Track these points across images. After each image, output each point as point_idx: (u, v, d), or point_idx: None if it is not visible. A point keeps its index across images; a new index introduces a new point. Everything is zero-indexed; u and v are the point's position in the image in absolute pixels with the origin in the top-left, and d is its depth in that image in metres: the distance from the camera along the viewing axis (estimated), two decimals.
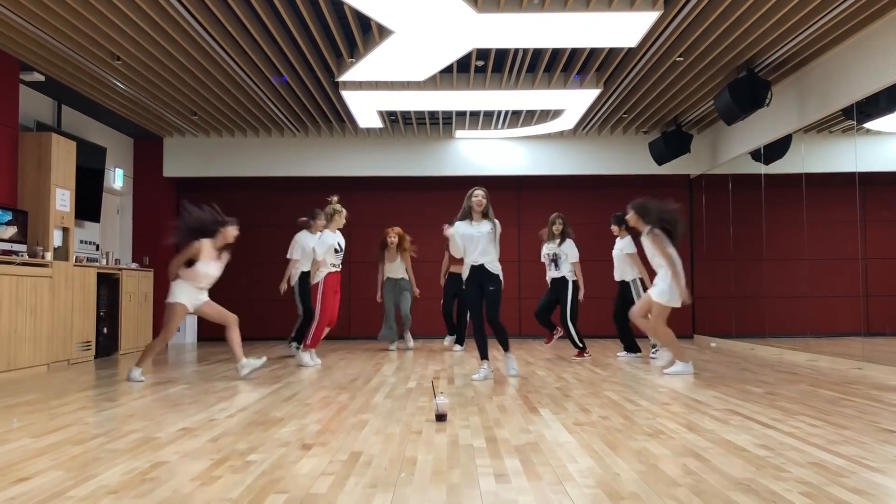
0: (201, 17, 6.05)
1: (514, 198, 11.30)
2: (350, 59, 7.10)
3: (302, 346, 7.35)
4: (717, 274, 10.30)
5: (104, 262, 8.79)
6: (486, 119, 10.04)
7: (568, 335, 7.91)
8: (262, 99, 8.62)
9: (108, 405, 4.74)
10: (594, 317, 10.96)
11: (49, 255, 7.15)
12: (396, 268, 9.16)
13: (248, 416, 4.23)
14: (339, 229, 7.32)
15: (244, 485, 2.71)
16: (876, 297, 8.31)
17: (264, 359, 6.35)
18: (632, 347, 7.97)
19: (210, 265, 6.15)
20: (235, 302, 11.20)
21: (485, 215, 6.38)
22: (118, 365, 7.44)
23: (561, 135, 10.56)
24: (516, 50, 7.06)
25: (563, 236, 8.04)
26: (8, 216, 6.75)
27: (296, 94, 8.53)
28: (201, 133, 10.49)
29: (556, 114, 9.37)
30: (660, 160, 10.02)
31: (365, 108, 8.77)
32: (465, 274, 6.29)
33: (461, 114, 9.58)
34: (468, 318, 8.37)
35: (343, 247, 7.36)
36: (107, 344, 8.25)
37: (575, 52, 7.24)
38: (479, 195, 6.37)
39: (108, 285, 8.34)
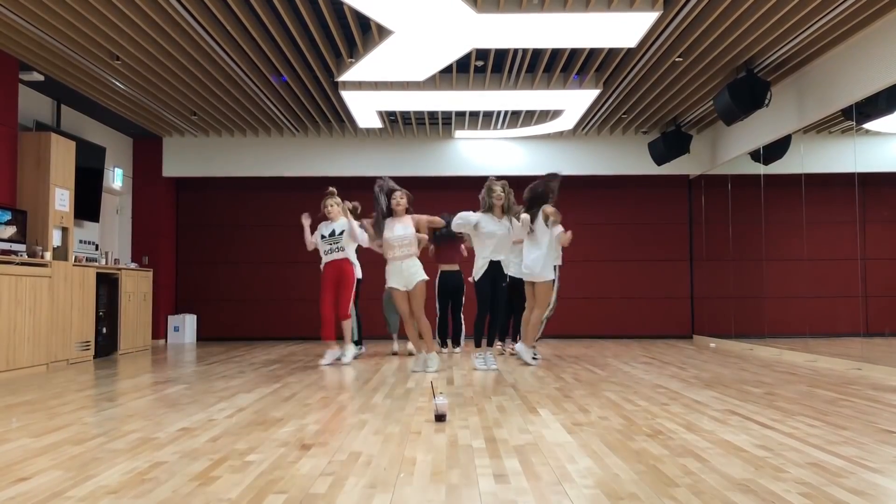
0: (201, 17, 6.05)
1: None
2: (350, 59, 7.10)
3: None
4: (716, 274, 10.30)
5: (103, 261, 8.79)
6: (485, 119, 10.04)
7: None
8: (261, 99, 8.62)
9: (108, 405, 4.74)
10: (595, 316, 10.98)
11: (48, 255, 7.15)
12: None
13: (247, 416, 4.23)
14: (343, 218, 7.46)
15: (243, 485, 2.71)
16: (875, 297, 8.31)
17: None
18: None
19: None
20: (235, 302, 11.25)
21: (504, 211, 6.48)
22: (117, 365, 7.44)
23: (560, 135, 10.57)
24: (516, 50, 7.06)
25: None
26: (7, 216, 6.75)
27: (295, 94, 8.53)
28: (201, 133, 10.49)
29: (556, 114, 9.37)
30: (659, 160, 10.02)
31: (364, 108, 8.77)
32: (480, 267, 6.39)
33: (461, 114, 9.58)
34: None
35: (332, 233, 7.37)
36: (106, 344, 8.24)
37: (574, 53, 7.24)
38: (497, 191, 6.43)
39: (108, 285, 8.34)
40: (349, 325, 7.42)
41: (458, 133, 10.44)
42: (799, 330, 8.20)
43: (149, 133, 10.27)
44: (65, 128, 8.44)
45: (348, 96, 8.18)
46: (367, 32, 6.71)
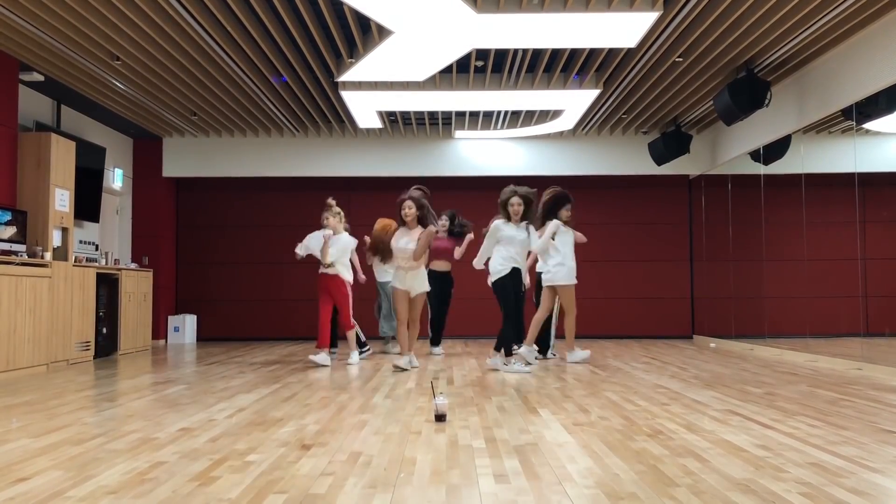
0: (201, 17, 6.05)
1: None
2: (350, 60, 7.10)
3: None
4: (716, 274, 10.30)
5: (103, 262, 8.79)
6: (485, 119, 10.04)
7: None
8: (261, 99, 8.62)
9: (108, 405, 4.73)
10: (596, 316, 10.97)
11: (48, 255, 7.15)
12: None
13: (247, 416, 4.23)
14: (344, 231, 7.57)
15: (243, 485, 2.71)
16: (875, 297, 8.31)
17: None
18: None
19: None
20: (235, 302, 11.25)
21: (521, 221, 6.54)
22: (117, 365, 7.44)
23: (560, 135, 10.57)
24: (516, 50, 7.06)
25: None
26: (7, 216, 6.75)
27: (295, 94, 8.53)
28: (201, 133, 10.49)
29: (556, 114, 9.37)
30: (659, 160, 10.02)
31: (364, 109, 8.77)
32: (502, 270, 6.43)
33: (461, 114, 9.58)
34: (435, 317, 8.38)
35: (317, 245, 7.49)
36: (106, 344, 8.24)
37: (574, 53, 7.24)
38: (514, 203, 6.51)
39: (108, 285, 8.34)
40: (352, 334, 7.50)
41: (458, 133, 10.44)
42: (799, 330, 8.20)
43: (149, 133, 10.27)
44: (65, 128, 8.44)
45: (348, 96, 8.18)
46: (367, 32, 6.71)
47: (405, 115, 9.80)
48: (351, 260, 7.64)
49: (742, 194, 9.53)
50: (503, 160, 10.68)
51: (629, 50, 7.00)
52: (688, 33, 6.58)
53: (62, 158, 7.52)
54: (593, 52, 7.26)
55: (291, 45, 7.00)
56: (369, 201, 11.17)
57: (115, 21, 6.08)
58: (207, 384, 5.75)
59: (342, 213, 7.53)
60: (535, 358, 7.10)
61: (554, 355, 7.82)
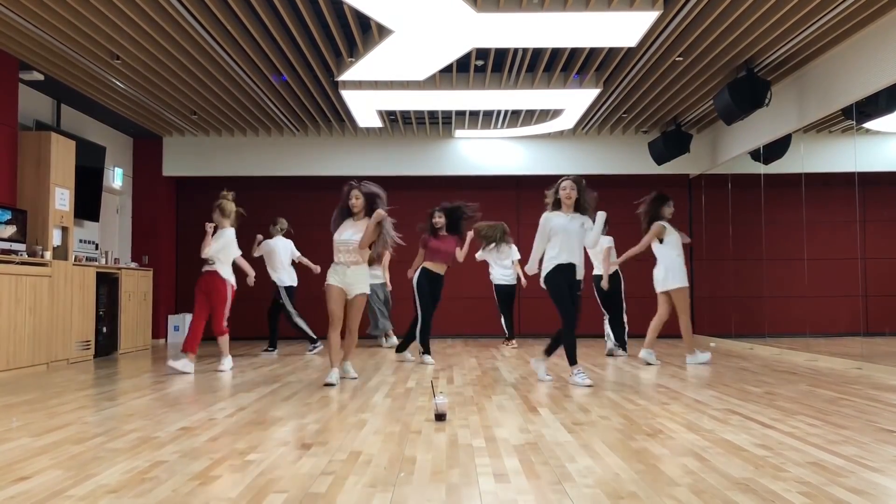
0: (201, 16, 6.05)
1: (513, 198, 11.30)
2: (350, 59, 7.10)
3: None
4: (716, 274, 10.30)
5: (103, 261, 8.78)
6: (485, 119, 10.04)
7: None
8: (261, 98, 8.62)
9: (108, 404, 4.74)
10: (595, 316, 10.97)
11: (48, 255, 7.15)
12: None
13: (247, 415, 4.23)
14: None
15: (243, 484, 2.71)
16: (875, 296, 8.31)
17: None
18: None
19: None
20: (235, 301, 11.22)
21: (576, 209, 5.73)
22: (117, 364, 7.44)
23: (560, 134, 10.56)
24: (516, 50, 7.06)
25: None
26: (7, 215, 6.75)
27: (295, 93, 8.53)
28: (201, 132, 10.49)
29: (556, 113, 9.37)
30: (659, 160, 10.02)
31: (364, 108, 8.77)
32: (545, 268, 5.63)
33: (461, 113, 9.58)
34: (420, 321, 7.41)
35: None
36: (106, 343, 8.24)
37: (574, 52, 7.24)
38: (566, 186, 5.68)
39: (108, 284, 8.34)
40: (225, 340, 6.97)
41: (458, 132, 10.44)
42: (799, 329, 8.20)
43: (149, 133, 10.27)
44: (65, 127, 8.44)
45: (348, 96, 8.18)
46: (367, 32, 6.71)
47: (405, 115, 9.80)
48: (237, 260, 7.23)
49: (742, 194, 9.53)
50: (503, 159, 10.67)
51: (629, 49, 7.00)
52: (688, 33, 6.58)
53: (62, 158, 7.52)
54: (593, 52, 7.26)
55: (291, 45, 7.00)
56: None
57: (115, 20, 6.08)
58: (207, 383, 5.75)
59: (236, 211, 7.17)
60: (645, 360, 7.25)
61: (624, 353, 8.05)
